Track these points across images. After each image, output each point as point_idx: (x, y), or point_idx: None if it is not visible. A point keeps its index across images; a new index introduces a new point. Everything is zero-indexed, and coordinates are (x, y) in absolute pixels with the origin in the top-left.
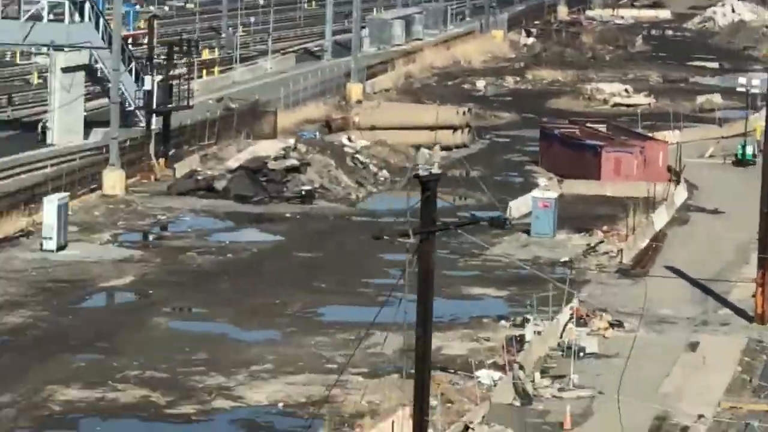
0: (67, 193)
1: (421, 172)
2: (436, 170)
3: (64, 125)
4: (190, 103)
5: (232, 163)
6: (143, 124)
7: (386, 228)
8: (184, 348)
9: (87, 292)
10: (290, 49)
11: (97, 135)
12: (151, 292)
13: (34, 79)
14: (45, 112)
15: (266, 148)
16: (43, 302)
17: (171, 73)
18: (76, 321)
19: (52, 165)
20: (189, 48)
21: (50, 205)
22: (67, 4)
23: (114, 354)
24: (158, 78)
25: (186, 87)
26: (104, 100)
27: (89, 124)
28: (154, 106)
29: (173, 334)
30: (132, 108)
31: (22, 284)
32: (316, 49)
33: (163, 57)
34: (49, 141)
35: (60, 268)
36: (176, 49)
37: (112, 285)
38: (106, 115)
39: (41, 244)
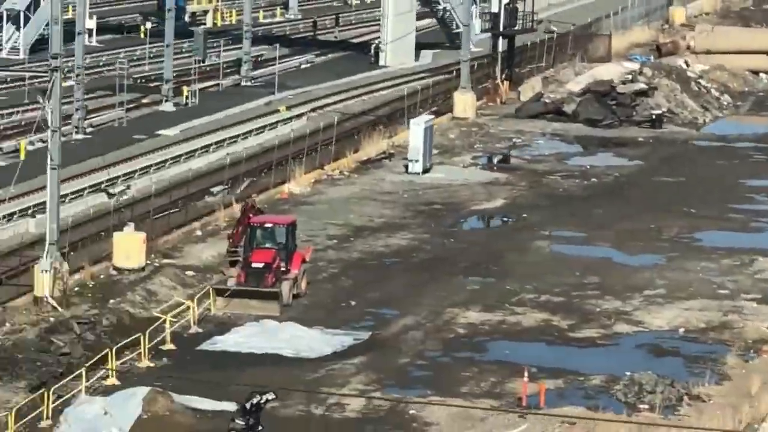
0: (432, 116)
1: None
2: None
3: (397, 47)
4: (534, 26)
5: (573, 86)
6: (471, 45)
7: None
8: (573, 272)
9: (461, 215)
10: None
11: (427, 57)
12: (524, 215)
13: (353, 1)
14: (370, 33)
15: (606, 71)
16: (421, 225)
17: None
18: (458, 243)
19: (389, 87)
20: None
21: (417, 128)
22: None
23: (504, 277)
24: (505, 1)
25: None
26: (424, 22)
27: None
28: (501, 28)
29: (557, 257)
30: (458, 30)
31: (396, 206)
32: None
33: None
34: (382, 63)
35: (429, 190)
36: None
37: (484, 208)
38: (431, 37)
39: (406, 167)
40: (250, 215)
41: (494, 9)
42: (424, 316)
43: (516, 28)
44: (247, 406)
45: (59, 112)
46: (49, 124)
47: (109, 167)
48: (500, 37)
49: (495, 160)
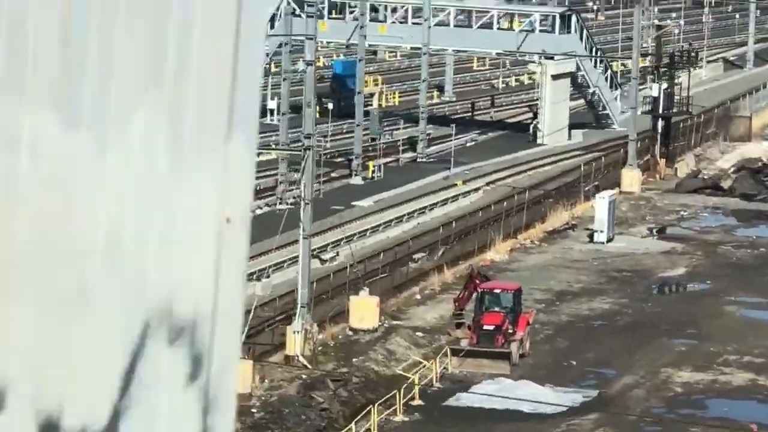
0: (615, 191)
1: None
2: None
3: (551, 127)
4: (690, 110)
5: (723, 164)
6: (615, 126)
7: None
8: (765, 334)
9: (652, 281)
10: (711, 58)
11: (578, 136)
12: (708, 282)
13: (499, 84)
14: (522, 114)
15: (752, 150)
16: (617, 290)
17: (675, 81)
18: (655, 308)
19: (551, 164)
20: (689, 57)
21: (602, 201)
22: (556, 16)
23: (705, 339)
24: (664, 86)
25: (686, 94)
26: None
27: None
28: (660, 110)
29: (748, 321)
30: (605, 111)
31: (590, 273)
32: (733, 58)
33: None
34: (539, 141)
35: (616, 258)
36: (677, 58)
37: (669, 275)
38: (578, 117)
39: (590, 236)
40: (477, 281)
41: (654, 93)
42: (642, 376)
43: (673, 110)
44: None
45: (312, 186)
46: (302, 196)
47: (320, 234)
48: (659, 119)
49: (654, 231)
